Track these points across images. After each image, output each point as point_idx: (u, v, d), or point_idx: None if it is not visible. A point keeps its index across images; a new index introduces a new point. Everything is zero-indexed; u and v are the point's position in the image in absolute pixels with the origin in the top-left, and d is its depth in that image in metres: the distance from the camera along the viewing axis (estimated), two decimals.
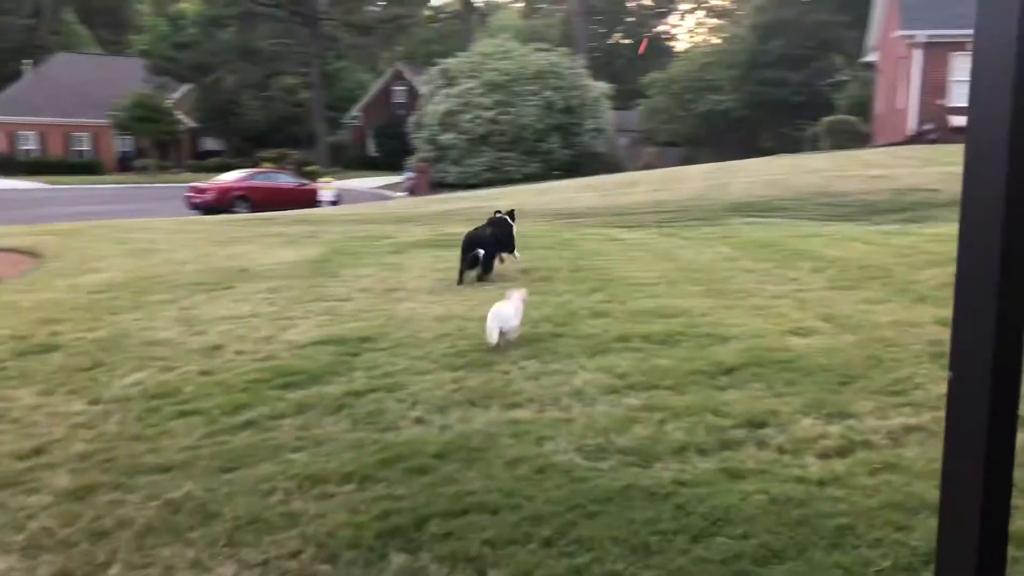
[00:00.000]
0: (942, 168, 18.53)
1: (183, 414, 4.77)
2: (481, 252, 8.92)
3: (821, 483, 3.42)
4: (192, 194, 29.55)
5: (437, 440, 4.16)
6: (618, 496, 3.37)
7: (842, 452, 3.75)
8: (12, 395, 5.23)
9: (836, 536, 2.98)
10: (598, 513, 3.24)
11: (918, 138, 28.99)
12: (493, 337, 5.77)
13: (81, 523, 3.39)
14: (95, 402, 5.07)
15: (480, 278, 8.89)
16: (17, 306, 8.17)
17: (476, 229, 9.51)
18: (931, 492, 3.26)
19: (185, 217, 24.58)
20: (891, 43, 32.15)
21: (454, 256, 11.18)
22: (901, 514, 3.10)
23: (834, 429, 4.02)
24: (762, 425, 4.13)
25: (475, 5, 64.07)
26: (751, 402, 4.45)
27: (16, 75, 61.02)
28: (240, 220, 21.08)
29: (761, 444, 3.90)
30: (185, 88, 57.87)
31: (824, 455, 3.73)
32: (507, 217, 9.76)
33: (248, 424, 4.55)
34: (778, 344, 5.58)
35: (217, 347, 6.29)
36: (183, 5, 66.26)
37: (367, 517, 3.31)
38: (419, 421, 4.51)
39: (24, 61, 61.13)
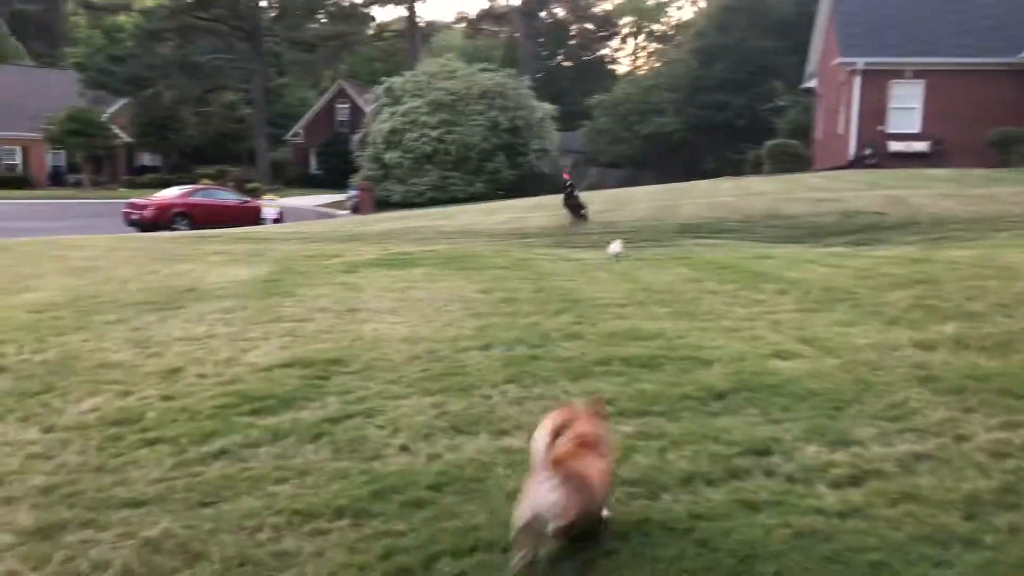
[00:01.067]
0: (886, 192, 18.98)
1: (148, 443, 4.46)
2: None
3: (842, 515, 3.31)
4: (130, 210, 28.74)
5: (428, 470, 3.95)
6: (634, 531, 3.21)
7: (855, 481, 3.65)
8: None
9: (872, 573, 2.86)
10: (615, 551, 3.07)
11: (858, 163, 29.73)
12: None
13: (52, 566, 3.10)
14: (50, 430, 4.73)
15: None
16: None
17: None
18: (958, 524, 3.18)
19: (123, 234, 23.85)
20: (831, 70, 32.99)
21: (410, 275, 11.00)
22: (934, 548, 3.00)
23: (841, 457, 3.92)
24: (766, 453, 4.02)
25: (419, 25, 64.02)
26: (749, 428, 4.34)
27: None
28: (182, 237, 20.51)
29: (770, 473, 3.78)
30: (121, 102, 56.51)
31: (837, 484, 3.63)
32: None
33: (221, 453, 4.28)
34: (763, 367, 5.49)
35: (176, 370, 5.97)
36: (121, 18, 64.90)
37: (369, 557, 3.09)
38: (404, 449, 4.29)
39: None
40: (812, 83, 39.30)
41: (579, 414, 3.18)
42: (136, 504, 3.65)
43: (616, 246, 12.09)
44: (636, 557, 3.02)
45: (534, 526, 2.85)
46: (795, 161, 32.91)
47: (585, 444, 3.04)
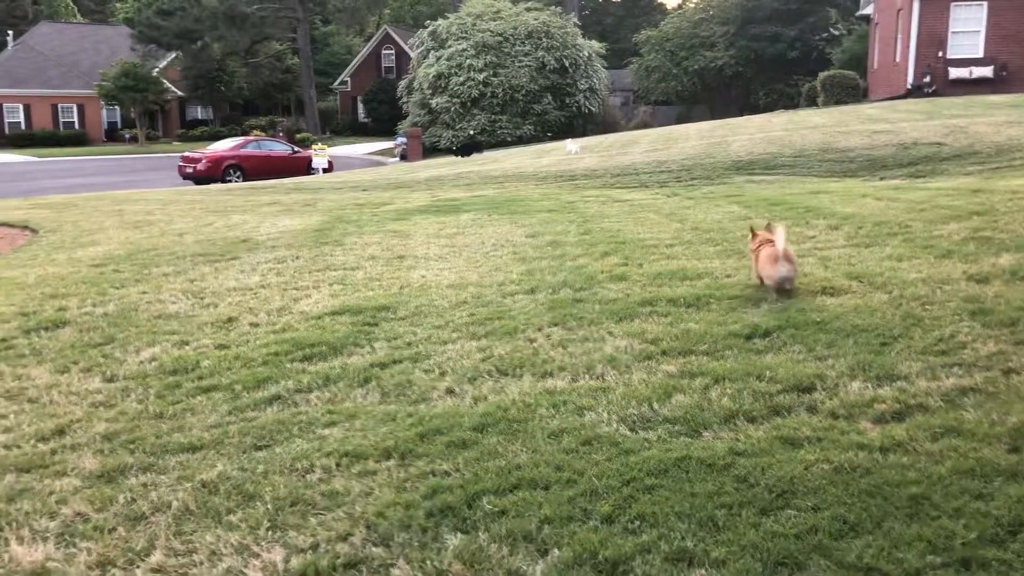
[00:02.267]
0: (945, 121, 18.37)
1: (204, 390, 4.62)
2: None
3: (884, 450, 3.30)
4: (184, 164, 29.22)
5: (473, 412, 4.03)
6: (674, 468, 3.24)
7: (898, 416, 3.63)
8: (27, 373, 5.08)
9: (912, 506, 2.86)
10: (656, 487, 3.11)
11: (916, 92, 28.75)
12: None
13: (115, 507, 3.25)
14: (112, 379, 4.92)
15: None
16: (19, 282, 7.98)
17: None
18: (1002, 457, 3.15)
19: (178, 187, 24.29)
20: None
21: (457, 222, 11.04)
22: (976, 481, 2.98)
23: (885, 392, 3.89)
24: (809, 389, 4.00)
25: None
26: (793, 365, 4.32)
27: (0, 46, 60.13)
28: (235, 189, 20.81)
29: (812, 409, 3.78)
30: (172, 56, 57.02)
31: (880, 420, 3.61)
32: None
33: (274, 399, 4.41)
34: (810, 304, 5.44)
35: (230, 319, 6.14)
36: None
37: (415, 495, 3.18)
38: (450, 392, 4.38)
39: (7, 32, 60.17)
40: (868, 10, 37.89)
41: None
42: (193, 448, 3.80)
43: (573, 146, 13.19)
44: (676, 493, 3.06)
45: (781, 284, 5.66)
46: (850, 92, 31.94)
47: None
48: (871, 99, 32.34)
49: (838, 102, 30.76)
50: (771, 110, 38.65)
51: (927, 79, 28.96)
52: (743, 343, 4.77)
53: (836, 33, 44.98)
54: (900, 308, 5.22)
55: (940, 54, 28.95)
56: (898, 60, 30.76)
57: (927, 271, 6.19)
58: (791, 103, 41.24)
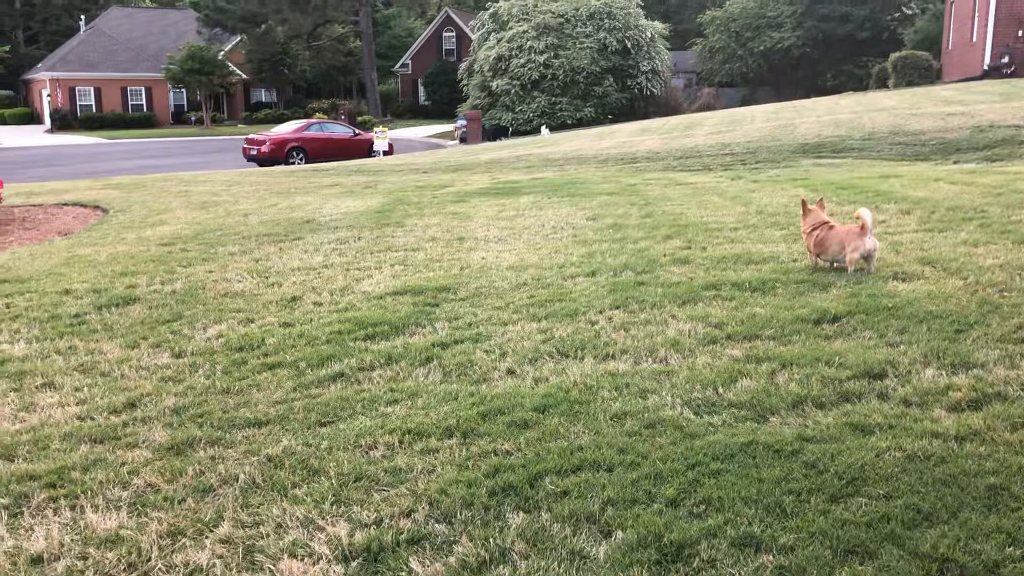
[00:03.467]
0: None
1: (269, 367, 4.69)
2: None
3: (959, 439, 3.19)
4: (248, 146, 29.67)
5: (534, 393, 4.01)
6: (740, 453, 3.19)
7: (975, 405, 3.51)
8: (98, 348, 5.22)
9: (990, 497, 2.76)
10: (722, 471, 3.06)
11: (993, 72, 27.76)
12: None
13: (184, 479, 3.32)
14: (180, 355, 5.02)
15: None
16: (91, 259, 8.20)
17: None
18: None
19: (242, 169, 24.70)
20: None
21: (517, 204, 11.02)
22: None
23: (961, 380, 3.77)
24: (881, 376, 3.90)
25: None
26: (864, 351, 4.21)
27: (72, 31, 61.68)
28: (298, 171, 21.08)
29: (883, 396, 3.68)
30: (236, 39, 57.88)
31: (955, 408, 3.50)
32: None
33: (337, 376, 4.46)
34: (881, 290, 5.30)
35: (294, 298, 6.22)
36: None
37: (477, 474, 3.18)
38: (511, 373, 4.37)
39: (79, 16, 61.74)
40: None
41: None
42: (259, 424, 3.86)
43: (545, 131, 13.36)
44: (742, 478, 3.00)
45: (867, 254, 5.75)
46: (923, 73, 30.99)
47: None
48: (945, 80, 31.35)
49: (910, 83, 29.89)
50: (839, 92, 37.72)
51: (1005, 60, 27.93)
52: (811, 328, 4.67)
53: (909, 12, 43.67)
54: (976, 295, 5.06)
55: (1020, 33, 27.89)
56: (975, 40, 29.72)
57: (1005, 257, 5.99)
58: (860, 85, 40.19)
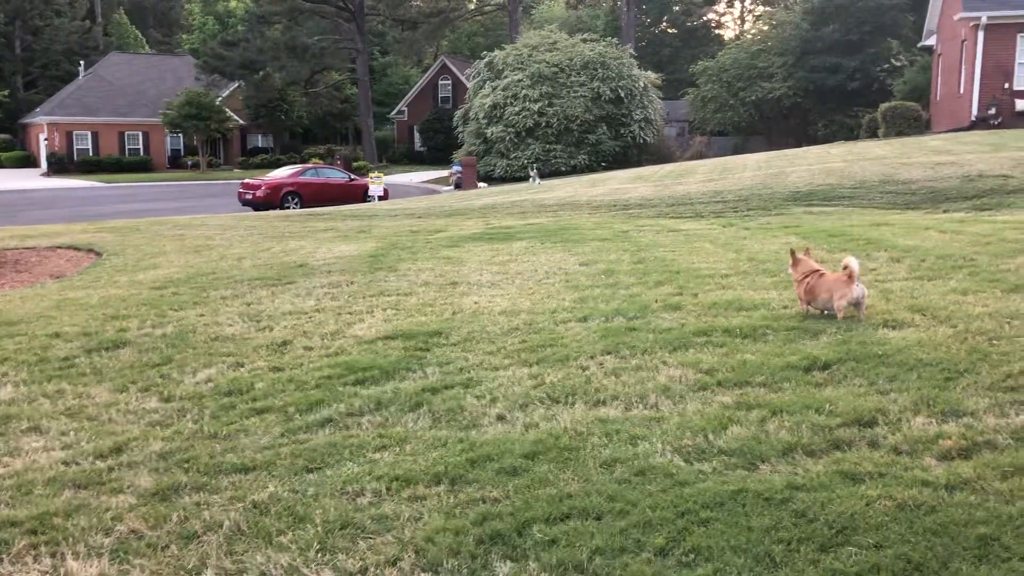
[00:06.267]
0: (1012, 153, 17.92)
1: (258, 411, 4.67)
2: None
3: (950, 488, 3.18)
4: (244, 190, 29.79)
5: (524, 439, 3.99)
6: (730, 501, 3.17)
7: (965, 453, 3.50)
8: (86, 392, 5.18)
9: (980, 548, 2.74)
10: (711, 520, 3.04)
11: (981, 123, 28.14)
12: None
13: (169, 525, 3.28)
14: (168, 399, 4.99)
15: None
16: (82, 303, 8.18)
17: None
18: None
19: (238, 213, 24.77)
20: (952, 26, 31.24)
21: (510, 249, 11.06)
22: None
23: (951, 428, 3.76)
24: (871, 424, 3.89)
25: None
26: (854, 399, 4.20)
27: (71, 76, 62.26)
28: (293, 215, 21.15)
29: (874, 444, 3.67)
30: (234, 85, 58.46)
31: (945, 457, 3.49)
32: None
33: (326, 422, 4.43)
34: (871, 337, 5.30)
35: (285, 343, 6.20)
36: (232, 3, 66.94)
37: (465, 521, 3.15)
38: (501, 419, 4.35)
39: (79, 62, 62.37)
40: (930, 41, 37.29)
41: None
42: (245, 469, 3.83)
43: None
44: (731, 526, 2.98)
45: (856, 301, 5.77)
46: (912, 124, 31.37)
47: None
48: (934, 131, 31.74)
49: (899, 134, 30.23)
50: (830, 142, 38.14)
51: (992, 111, 28.33)
52: (801, 375, 4.67)
53: (898, 64, 44.33)
54: (966, 343, 5.07)
55: (1006, 85, 28.33)
56: (962, 91, 30.17)
57: (994, 305, 6.01)
58: (850, 135, 40.64)
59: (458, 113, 45.39)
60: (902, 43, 45.55)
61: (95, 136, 56.08)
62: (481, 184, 36.49)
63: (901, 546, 2.78)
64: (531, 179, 15.56)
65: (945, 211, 13.27)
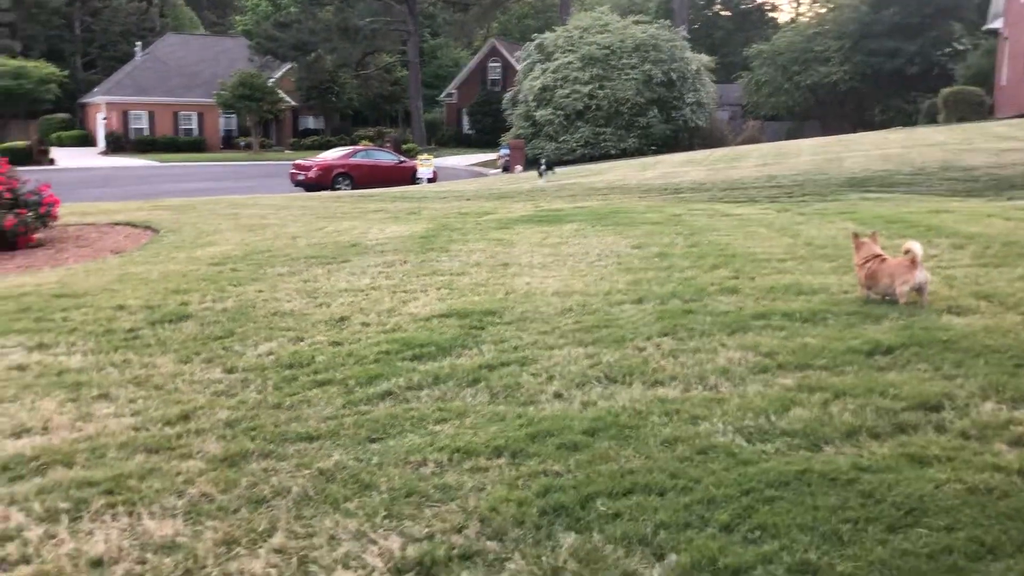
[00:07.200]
0: None
1: (319, 384, 4.74)
2: None
3: (1022, 473, 3.12)
4: (296, 171, 30.14)
5: (583, 416, 4.00)
6: (794, 481, 3.15)
7: None
8: (152, 362, 5.31)
9: None
10: (776, 498, 3.03)
11: None
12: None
13: (238, 490, 3.36)
14: (231, 370, 5.09)
15: None
16: (143, 277, 8.37)
17: None
18: None
19: (290, 193, 25.09)
20: (1020, 8, 30.29)
21: (561, 232, 11.05)
22: None
23: (1022, 415, 3.69)
24: (937, 408, 3.83)
25: None
26: (919, 384, 4.14)
27: (129, 56, 63.41)
28: (344, 196, 21.37)
29: (940, 429, 3.62)
30: (286, 67, 59.02)
31: (1017, 443, 3.42)
32: None
33: (386, 394, 4.49)
34: (935, 323, 5.22)
35: (343, 318, 6.28)
36: None
37: (528, 493, 3.18)
38: (558, 396, 4.37)
39: (135, 42, 63.51)
40: (996, 24, 36.22)
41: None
42: (310, 438, 3.90)
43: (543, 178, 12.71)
44: (797, 505, 2.97)
45: (918, 287, 5.68)
46: (975, 109, 30.58)
47: None
48: (998, 117, 30.90)
49: (961, 119, 29.51)
50: (887, 127, 37.37)
51: None
52: (864, 359, 4.61)
53: (960, 48, 43.16)
54: None
55: None
56: None
57: None
58: (909, 120, 39.80)
59: (507, 96, 45.30)
60: (965, 26, 44.28)
61: (151, 116, 57.07)
62: (517, 167, 36.32)
63: (973, 529, 2.74)
64: (541, 171, 14.69)
65: (1009, 199, 12.93)
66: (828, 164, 18.80)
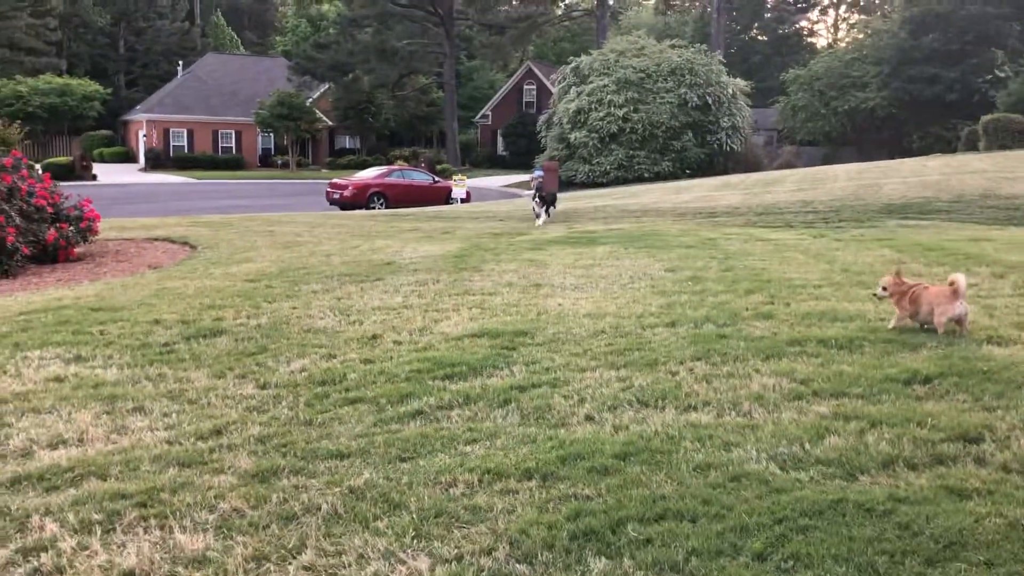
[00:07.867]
0: None
1: (351, 401, 4.76)
2: None
3: None
4: (331, 190, 30.43)
5: (614, 440, 3.97)
6: (829, 510, 3.10)
7: None
8: (186, 376, 5.37)
9: None
10: (810, 528, 2.97)
11: None
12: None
13: (269, 506, 3.37)
14: (264, 386, 5.13)
15: None
16: (180, 292, 8.47)
17: None
18: None
19: (325, 212, 25.32)
20: None
21: (594, 253, 11.03)
22: None
23: None
24: (977, 440, 3.76)
25: (608, 3, 63.55)
26: (958, 414, 4.06)
27: (170, 75, 64.65)
28: (379, 215, 21.52)
29: (980, 461, 3.54)
30: (324, 87, 59.78)
31: None
32: None
33: (417, 414, 4.49)
34: (975, 353, 5.12)
35: (375, 336, 6.31)
36: (324, 7, 68.51)
37: (558, 516, 3.16)
38: (590, 419, 4.34)
39: (177, 62, 64.76)
40: None
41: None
42: (341, 456, 3.91)
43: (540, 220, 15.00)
44: (832, 535, 2.91)
45: (958, 318, 5.61)
46: (1017, 137, 30.16)
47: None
48: None
49: (1002, 147, 29.12)
50: (925, 154, 36.97)
51: None
52: (901, 388, 4.53)
53: (1001, 75, 42.67)
54: None
55: None
56: None
57: None
58: (948, 147, 39.34)
59: (542, 118, 45.50)
60: (1008, 53, 43.75)
61: (190, 134, 58.03)
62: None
63: (1014, 564, 2.67)
64: (535, 205, 14.25)
65: None
66: (865, 190, 18.62)
